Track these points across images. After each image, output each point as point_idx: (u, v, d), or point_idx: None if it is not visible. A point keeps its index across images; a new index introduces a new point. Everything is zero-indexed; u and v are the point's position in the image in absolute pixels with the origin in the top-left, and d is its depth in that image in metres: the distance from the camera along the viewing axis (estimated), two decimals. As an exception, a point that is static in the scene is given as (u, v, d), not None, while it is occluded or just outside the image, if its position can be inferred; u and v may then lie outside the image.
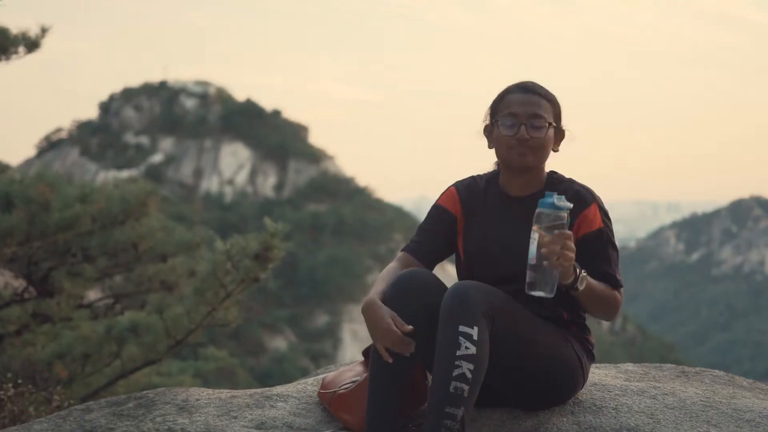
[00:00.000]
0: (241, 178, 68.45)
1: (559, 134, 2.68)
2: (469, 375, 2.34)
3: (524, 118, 2.60)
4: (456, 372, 2.34)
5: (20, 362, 5.56)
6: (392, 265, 2.69)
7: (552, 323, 2.62)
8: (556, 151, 2.68)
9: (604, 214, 2.65)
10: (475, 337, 2.36)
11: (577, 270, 2.45)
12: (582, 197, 2.63)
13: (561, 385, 2.63)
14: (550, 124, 2.63)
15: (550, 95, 2.67)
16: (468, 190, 2.76)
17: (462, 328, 2.36)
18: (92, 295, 7.16)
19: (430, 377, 2.74)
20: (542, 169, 2.69)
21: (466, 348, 2.35)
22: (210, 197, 65.79)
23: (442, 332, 2.39)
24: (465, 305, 2.39)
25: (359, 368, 2.84)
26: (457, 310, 2.38)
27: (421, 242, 2.73)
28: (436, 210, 2.77)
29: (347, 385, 2.72)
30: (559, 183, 2.67)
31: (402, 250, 2.75)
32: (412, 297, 2.50)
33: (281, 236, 5.40)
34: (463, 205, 2.75)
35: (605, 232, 2.63)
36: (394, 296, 2.51)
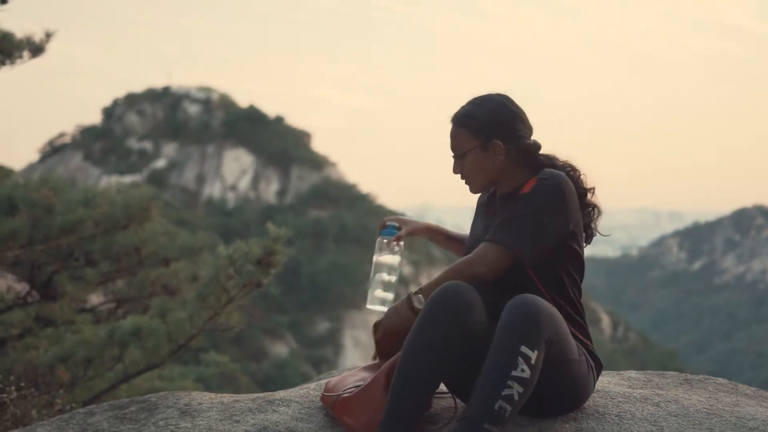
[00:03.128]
0: (244, 184, 68.46)
1: (493, 147, 2.65)
2: (516, 397, 2.31)
3: (453, 153, 2.72)
4: (506, 392, 2.30)
5: (23, 365, 5.55)
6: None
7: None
8: (503, 159, 2.65)
9: (544, 187, 2.58)
10: (533, 362, 2.32)
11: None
12: (542, 174, 2.63)
13: (572, 397, 2.64)
14: (468, 150, 2.66)
15: (465, 119, 2.67)
16: (491, 193, 2.84)
17: (523, 349, 2.32)
18: (95, 299, 7.17)
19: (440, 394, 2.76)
20: (516, 171, 2.68)
21: (522, 370, 2.31)
22: (212, 203, 65.81)
23: (502, 345, 2.34)
24: (534, 326, 2.34)
25: (363, 374, 2.83)
26: (525, 329, 2.33)
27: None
28: None
29: (351, 390, 2.71)
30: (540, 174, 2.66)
31: None
32: (449, 314, 2.43)
33: (283, 242, 5.40)
34: (479, 202, 2.87)
35: (526, 198, 2.58)
36: (431, 312, 2.45)
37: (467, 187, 2.74)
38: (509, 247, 2.52)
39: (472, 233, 2.82)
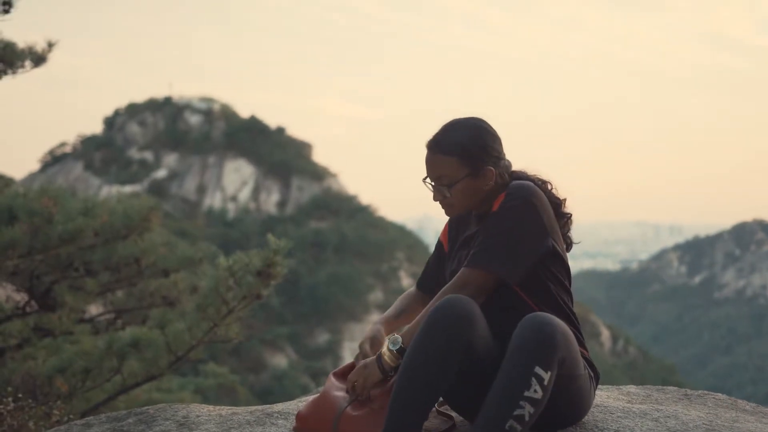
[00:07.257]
0: (244, 194, 68.55)
1: (484, 173, 2.62)
2: (527, 418, 2.28)
3: (431, 180, 2.66)
4: (517, 411, 2.27)
5: (20, 376, 5.53)
6: (407, 292, 2.95)
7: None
8: (493, 184, 2.63)
9: (513, 201, 2.54)
10: (546, 383, 2.30)
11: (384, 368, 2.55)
12: (509, 189, 2.60)
13: (575, 411, 2.62)
14: (460, 179, 2.60)
15: (451, 147, 2.60)
16: (460, 218, 2.82)
17: (537, 370, 2.29)
18: (94, 309, 7.15)
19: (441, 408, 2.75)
20: (492, 193, 2.65)
21: (535, 391, 2.28)
22: (213, 213, 65.88)
23: (515, 364, 2.31)
24: (548, 347, 2.31)
25: (340, 392, 2.68)
26: (539, 350, 2.30)
27: (423, 273, 2.92)
28: (437, 243, 2.93)
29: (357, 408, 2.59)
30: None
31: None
32: (449, 327, 2.39)
33: (284, 253, 5.38)
34: (450, 234, 2.85)
35: (497, 216, 2.54)
36: (431, 324, 2.41)
37: (443, 210, 2.70)
38: (490, 270, 2.51)
39: (453, 260, 2.76)
